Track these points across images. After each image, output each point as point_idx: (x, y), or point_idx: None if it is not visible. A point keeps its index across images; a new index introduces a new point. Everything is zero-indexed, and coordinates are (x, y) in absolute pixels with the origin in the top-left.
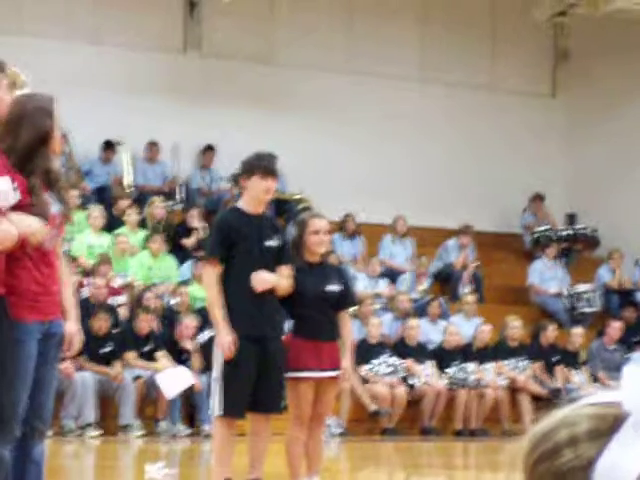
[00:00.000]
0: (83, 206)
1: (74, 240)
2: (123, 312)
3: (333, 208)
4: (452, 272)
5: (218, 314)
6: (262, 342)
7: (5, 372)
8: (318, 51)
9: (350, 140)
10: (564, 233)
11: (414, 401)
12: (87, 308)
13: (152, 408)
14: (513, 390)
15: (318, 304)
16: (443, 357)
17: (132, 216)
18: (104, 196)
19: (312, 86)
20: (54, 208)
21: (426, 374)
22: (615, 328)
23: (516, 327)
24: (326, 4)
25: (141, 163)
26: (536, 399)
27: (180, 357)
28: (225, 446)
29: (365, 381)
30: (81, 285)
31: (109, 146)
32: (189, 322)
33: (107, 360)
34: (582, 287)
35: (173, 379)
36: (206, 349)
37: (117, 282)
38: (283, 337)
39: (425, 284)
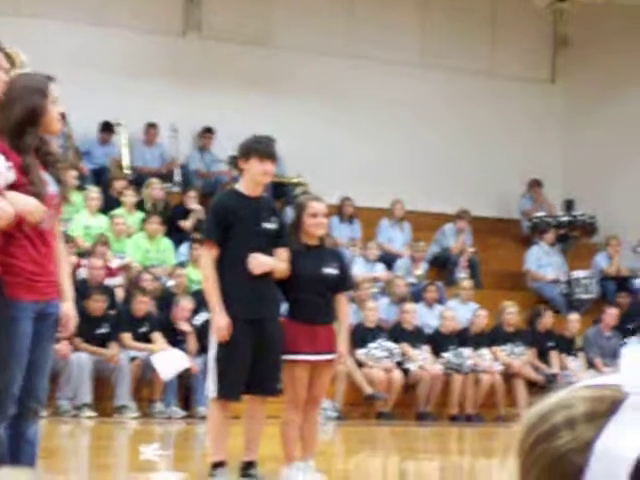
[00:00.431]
0: (81, 187)
1: (71, 221)
2: (119, 293)
3: (331, 192)
4: (449, 257)
5: (214, 296)
6: (259, 324)
7: (0, 351)
8: (318, 35)
9: (349, 124)
10: (562, 219)
11: (410, 385)
12: (84, 289)
13: (147, 390)
14: (509, 376)
15: (315, 287)
16: (439, 342)
17: (129, 197)
18: (101, 177)
19: (311, 70)
20: (52, 188)
21: (423, 358)
22: (611, 315)
23: (512, 313)
24: None
25: (139, 145)
26: (531, 385)
27: (176, 339)
28: (220, 428)
29: (361, 365)
30: (78, 266)
31: (107, 127)
32: (185, 304)
33: (103, 341)
34: (579, 273)
35: (169, 361)
36: (202, 331)
37: (114, 263)
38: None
39: (422, 269)
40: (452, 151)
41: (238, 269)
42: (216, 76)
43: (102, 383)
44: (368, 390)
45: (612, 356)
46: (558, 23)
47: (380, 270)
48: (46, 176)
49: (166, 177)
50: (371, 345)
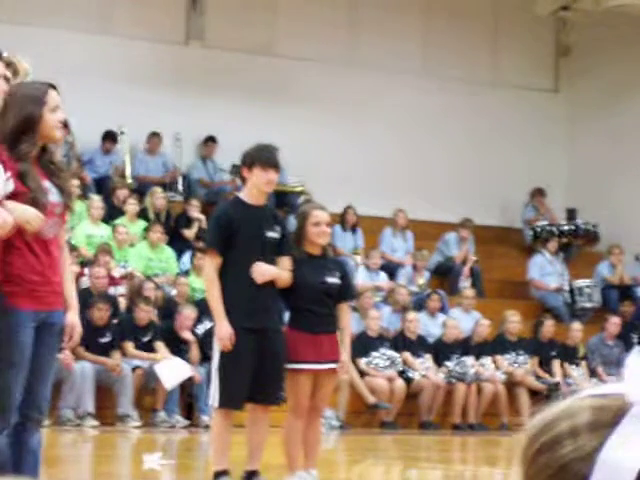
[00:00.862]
0: (83, 196)
1: (74, 230)
2: (122, 302)
3: (333, 201)
4: (452, 266)
5: (217, 305)
6: (261, 334)
7: (0, 360)
8: (321, 44)
9: (351, 133)
10: (564, 228)
11: (412, 394)
12: (86, 298)
13: (150, 399)
14: (511, 384)
15: (317, 296)
16: (442, 351)
17: (132, 206)
18: (104, 186)
19: (314, 79)
20: (54, 197)
21: (425, 367)
22: (614, 323)
23: (515, 321)
24: None
25: (142, 154)
26: (534, 394)
27: (179, 348)
28: (223, 437)
29: (363, 374)
30: (81, 275)
31: (109, 136)
32: (188, 313)
33: (106, 350)
34: (582, 282)
35: (171, 370)
36: (205, 340)
37: (117, 272)
38: (282, 329)
39: (424, 278)
40: (455, 160)
41: (241, 278)
42: (219, 85)
43: (105, 392)
44: (371, 399)
45: (615, 365)
46: (561, 32)
47: (383, 279)
48: (49, 185)
49: (169, 186)
50: (374, 354)
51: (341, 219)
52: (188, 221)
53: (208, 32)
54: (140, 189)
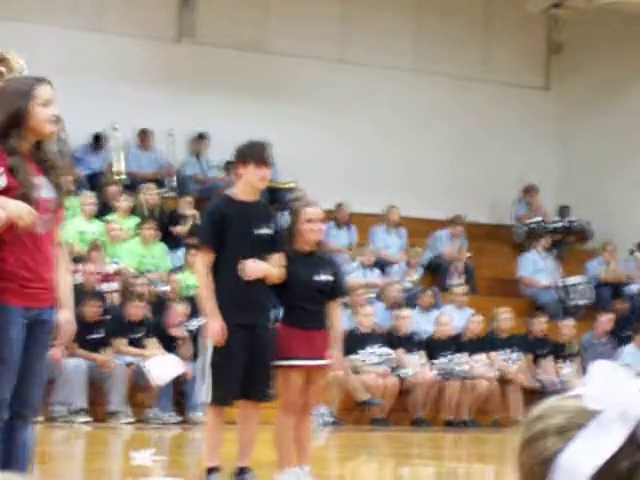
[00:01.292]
0: (75, 192)
1: (66, 226)
2: (114, 299)
3: (325, 197)
4: (443, 263)
5: (209, 302)
6: (252, 330)
7: None
8: (312, 40)
9: (343, 130)
10: (557, 225)
11: (405, 391)
12: (78, 294)
13: (142, 395)
14: (503, 381)
15: (309, 293)
16: (434, 347)
17: (123, 203)
18: (96, 183)
19: (305, 75)
20: (48, 193)
21: (419, 364)
22: (606, 321)
23: (506, 318)
24: None
25: (134, 150)
26: (526, 391)
27: (170, 344)
28: (215, 434)
29: (356, 371)
30: (73, 271)
31: (97, 139)
32: (180, 309)
33: (98, 347)
34: (574, 279)
35: (163, 366)
36: (196, 337)
37: (109, 269)
38: (274, 325)
39: (417, 274)
40: (446, 157)
41: (232, 274)
42: (211, 82)
43: (97, 388)
44: (363, 396)
45: None
46: (552, 30)
47: (375, 276)
48: (42, 181)
49: (161, 182)
50: (366, 351)
51: (333, 216)
52: (180, 217)
53: (200, 29)
54: (133, 185)
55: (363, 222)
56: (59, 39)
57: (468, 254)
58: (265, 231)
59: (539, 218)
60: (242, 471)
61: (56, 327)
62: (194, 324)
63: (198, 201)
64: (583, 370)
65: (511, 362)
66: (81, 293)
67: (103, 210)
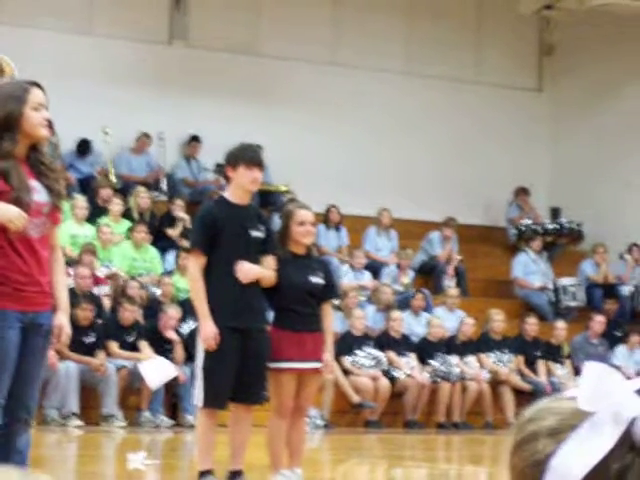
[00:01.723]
0: (67, 196)
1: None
2: (106, 302)
3: (317, 200)
4: (435, 265)
5: (201, 305)
6: (245, 333)
7: None
8: (304, 43)
9: (335, 132)
10: (549, 227)
11: (397, 394)
12: (71, 298)
13: (135, 398)
14: (496, 383)
15: (301, 296)
16: (426, 350)
17: (115, 206)
18: (88, 186)
19: (297, 78)
20: (41, 197)
21: (411, 366)
22: (598, 322)
23: (499, 320)
24: None
25: (126, 153)
26: (519, 392)
27: (163, 348)
28: (207, 437)
29: (348, 373)
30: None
31: (84, 145)
32: (172, 313)
33: (90, 350)
34: (566, 281)
35: (156, 370)
36: (189, 340)
37: (101, 272)
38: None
39: (408, 277)
40: (438, 159)
41: (225, 277)
42: (202, 84)
43: (89, 392)
44: (355, 398)
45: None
46: (544, 31)
47: (367, 278)
48: (36, 185)
49: (153, 186)
50: (358, 353)
51: (325, 218)
52: (172, 221)
53: (192, 32)
54: (124, 189)
55: (355, 224)
56: (48, 43)
57: (459, 257)
58: (257, 234)
59: (531, 220)
60: (235, 475)
61: (53, 330)
62: (187, 327)
63: (189, 204)
64: (575, 371)
65: (502, 364)
66: (73, 296)
67: (95, 214)
